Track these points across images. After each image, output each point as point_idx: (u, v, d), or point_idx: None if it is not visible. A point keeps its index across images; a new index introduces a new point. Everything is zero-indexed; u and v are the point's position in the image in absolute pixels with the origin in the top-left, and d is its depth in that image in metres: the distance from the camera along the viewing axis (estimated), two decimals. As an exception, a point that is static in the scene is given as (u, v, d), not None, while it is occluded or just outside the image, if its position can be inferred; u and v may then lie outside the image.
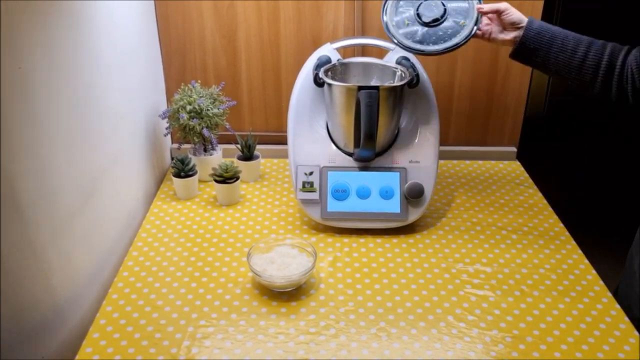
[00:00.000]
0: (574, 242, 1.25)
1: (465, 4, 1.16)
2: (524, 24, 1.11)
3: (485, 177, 1.53)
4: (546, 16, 1.48)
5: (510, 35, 1.13)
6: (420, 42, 1.16)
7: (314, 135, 1.30)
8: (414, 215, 1.26)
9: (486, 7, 1.14)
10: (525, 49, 1.11)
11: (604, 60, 1.05)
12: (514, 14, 1.12)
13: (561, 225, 1.31)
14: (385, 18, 1.17)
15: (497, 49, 1.51)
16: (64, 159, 0.97)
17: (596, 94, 1.08)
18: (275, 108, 1.59)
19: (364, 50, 1.50)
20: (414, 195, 1.25)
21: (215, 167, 1.36)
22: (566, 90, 1.73)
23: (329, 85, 1.21)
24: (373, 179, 1.26)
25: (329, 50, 1.32)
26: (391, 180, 1.26)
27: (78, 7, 1.01)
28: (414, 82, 1.24)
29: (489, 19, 1.15)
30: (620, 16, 0.97)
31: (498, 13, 1.13)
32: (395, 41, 1.16)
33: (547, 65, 1.11)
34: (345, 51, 1.37)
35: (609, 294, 1.09)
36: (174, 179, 1.38)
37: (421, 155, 1.28)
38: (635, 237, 1.15)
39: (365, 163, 1.28)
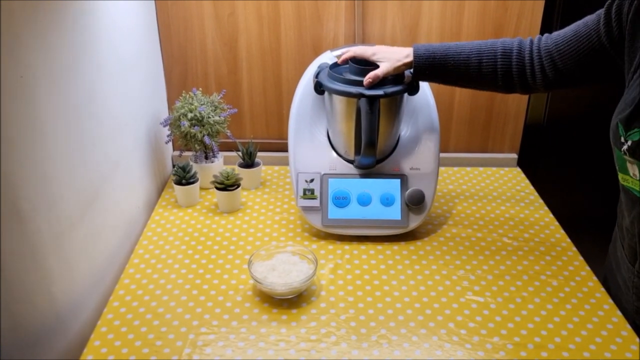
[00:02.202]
0: (575, 249, 1.25)
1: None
2: (406, 51, 1.14)
3: (486, 183, 1.53)
4: (546, 16, 1.49)
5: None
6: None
7: (314, 142, 1.30)
8: (414, 222, 1.26)
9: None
10: (422, 75, 1.15)
11: (498, 62, 1.08)
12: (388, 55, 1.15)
13: (562, 232, 1.31)
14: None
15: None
16: (65, 167, 0.97)
17: (506, 92, 1.13)
18: (276, 115, 1.60)
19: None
20: (414, 202, 1.25)
21: (216, 174, 1.36)
22: (567, 97, 1.74)
23: (330, 92, 1.21)
24: (374, 186, 1.27)
25: (329, 58, 1.32)
26: (392, 187, 1.26)
27: (79, 15, 1.02)
28: (414, 89, 1.24)
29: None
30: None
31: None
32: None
33: (450, 82, 1.17)
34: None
35: (610, 301, 1.08)
36: (175, 186, 1.38)
37: (422, 162, 1.28)
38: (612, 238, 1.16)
39: (366, 170, 1.28)
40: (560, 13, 1.61)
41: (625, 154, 0.90)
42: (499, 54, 1.08)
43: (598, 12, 0.98)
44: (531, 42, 1.07)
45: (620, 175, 0.98)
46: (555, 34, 1.05)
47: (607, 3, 0.95)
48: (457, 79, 1.14)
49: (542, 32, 1.49)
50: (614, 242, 1.14)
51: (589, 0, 1.61)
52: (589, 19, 0.99)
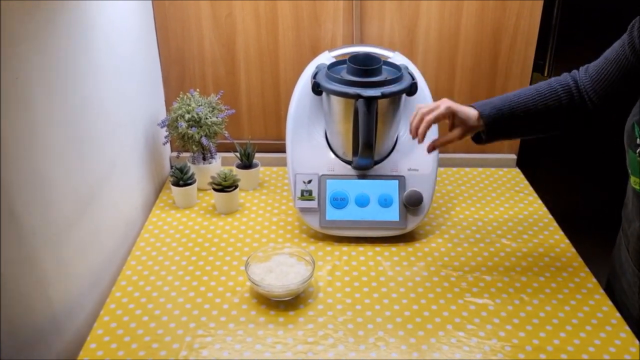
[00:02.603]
0: (574, 250, 1.24)
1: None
2: (474, 117, 1.07)
3: (485, 184, 1.53)
4: (546, 16, 1.48)
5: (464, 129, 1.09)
6: None
7: (312, 143, 1.30)
8: (413, 223, 1.26)
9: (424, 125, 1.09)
10: (495, 124, 1.07)
11: (560, 94, 1.04)
12: (461, 112, 1.07)
13: (561, 233, 1.31)
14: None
15: (496, 56, 1.51)
16: (62, 168, 0.97)
17: (572, 125, 1.07)
18: (274, 116, 1.59)
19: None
20: (412, 203, 1.24)
21: (214, 175, 1.36)
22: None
23: (327, 93, 1.21)
24: (372, 187, 1.26)
25: (327, 59, 1.32)
26: (390, 188, 1.26)
27: (76, 16, 1.01)
28: (412, 90, 1.24)
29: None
30: (621, 16, 0.97)
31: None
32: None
33: (521, 132, 1.12)
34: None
35: (610, 303, 1.08)
36: (173, 187, 1.38)
37: (420, 163, 1.28)
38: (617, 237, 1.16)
39: (364, 171, 1.27)
40: (559, 13, 1.61)
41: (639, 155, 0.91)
42: (558, 87, 1.05)
43: (621, 39, 0.98)
44: (575, 73, 1.06)
45: (632, 179, 0.98)
46: (592, 64, 1.04)
47: (628, 29, 0.96)
48: (528, 124, 1.07)
49: (540, 33, 1.49)
50: (617, 246, 1.14)
51: (588, 0, 1.62)
52: (616, 43, 1.00)
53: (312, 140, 1.30)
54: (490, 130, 1.07)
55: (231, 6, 1.45)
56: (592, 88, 1.02)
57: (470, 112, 1.07)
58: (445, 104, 1.08)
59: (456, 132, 1.09)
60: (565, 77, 1.06)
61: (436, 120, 1.08)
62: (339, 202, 1.25)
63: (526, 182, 1.55)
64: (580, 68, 1.06)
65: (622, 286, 1.09)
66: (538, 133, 1.12)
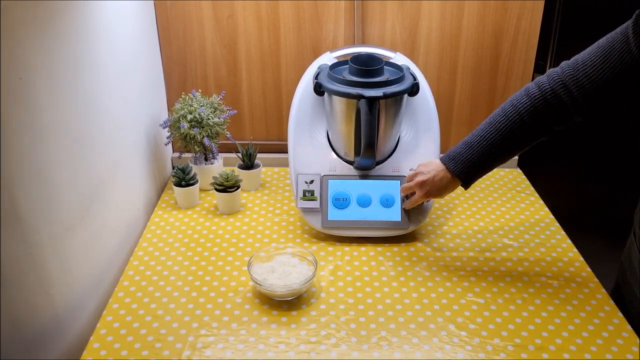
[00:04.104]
0: (575, 250, 1.24)
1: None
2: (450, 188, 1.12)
3: (486, 184, 1.53)
4: (546, 13, 1.48)
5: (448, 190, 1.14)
6: None
7: (314, 143, 1.30)
8: (414, 223, 1.26)
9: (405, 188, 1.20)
10: (471, 178, 1.10)
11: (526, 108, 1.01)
12: (431, 183, 1.13)
13: (563, 233, 1.31)
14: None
15: (497, 56, 1.51)
16: (64, 169, 0.97)
17: (548, 131, 1.04)
18: (276, 117, 1.60)
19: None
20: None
21: (216, 176, 1.36)
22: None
23: (329, 93, 1.21)
24: (374, 188, 1.26)
25: (329, 59, 1.32)
26: (392, 188, 1.26)
27: (78, 17, 1.02)
28: (414, 90, 1.24)
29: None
30: (622, 17, 0.97)
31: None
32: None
33: (502, 160, 1.09)
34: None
35: (611, 302, 1.08)
36: (175, 188, 1.38)
37: (422, 164, 1.28)
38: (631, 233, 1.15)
39: (366, 171, 1.28)
40: (560, 14, 1.61)
41: None
42: (524, 101, 1.02)
43: (622, 29, 0.92)
44: (549, 75, 1.01)
45: None
46: (574, 59, 0.98)
47: (633, 18, 0.90)
48: (503, 157, 1.08)
49: (542, 33, 1.49)
50: (628, 249, 1.13)
51: (589, 1, 1.62)
52: (614, 37, 0.92)
53: (313, 141, 1.30)
54: (467, 184, 1.11)
55: (233, 7, 1.46)
56: (578, 84, 0.95)
57: (446, 187, 1.12)
58: (420, 191, 1.16)
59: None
60: (532, 86, 1.02)
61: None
62: (341, 202, 1.26)
63: (527, 182, 1.55)
64: (562, 63, 1.00)
65: (633, 289, 1.09)
66: (512, 156, 1.09)
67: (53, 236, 0.93)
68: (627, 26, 0.90)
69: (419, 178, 1.15)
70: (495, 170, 1.59)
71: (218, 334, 1.00)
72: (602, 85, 0.94)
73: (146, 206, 1.38)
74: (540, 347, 0.97)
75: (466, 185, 1.11)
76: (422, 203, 1.23)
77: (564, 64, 1.00)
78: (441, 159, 1.12)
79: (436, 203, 1.41)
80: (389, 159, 1.29)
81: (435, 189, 1.13)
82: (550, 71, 1.01)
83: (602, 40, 0.95)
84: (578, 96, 0.97)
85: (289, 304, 1.07)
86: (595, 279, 1.15)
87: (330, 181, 1.27)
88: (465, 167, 1.08)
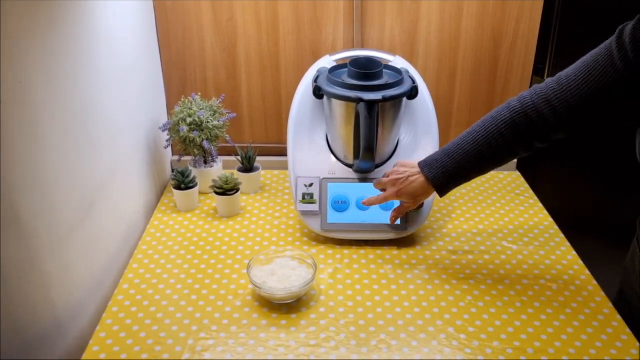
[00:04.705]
0: (574, 253, 1.25)
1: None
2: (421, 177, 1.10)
3: (485, 187, 1.53)
4: (545, 16, 1.49)
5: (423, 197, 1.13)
6: None
7: (313, 146, 1.30)
8: (414, 226, 1.26)
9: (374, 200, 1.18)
10: (446, 186, 1.08)
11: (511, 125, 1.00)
12: (406, 184, 1.11)
13: (562, 235, 1.31)
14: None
15: (496, 59, 1.52)
16: (64, 172, 0.97)
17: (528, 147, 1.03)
18: (275, 120, 1.60)
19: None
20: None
21: (215, 179, 1.36)
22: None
23: (329, 97, 1.21)
24: (373, 191, 1.26)
25: (328, 63, 1.32)
26: (391, 191, 1.26)
27: (78, 20, 1.02)
28: (413, 93, 1.24)
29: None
30: (621, 21, 0.97)
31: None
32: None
33: (478, 172, 1.08)
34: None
35: (610, 305, 1.08)
36: (175, 191, 1.38)
37: (421, 167, 1.28)
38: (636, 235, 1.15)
39: (365, 174, 1.28)
40: (559, 16, 1.61)
41: None
42: (504, 114, 1.01)
43: (605, 45, 0.92)
44: (532, 90, 1.00)
45: None
46: (558, 76, 0.97)
47: (616, 34, 0.90)
48: (479, 164, 1.06)
49: (540, 36, 1.50)
50: (631, 255, 1.13)
51: (588, 2, 1.62)
52: (598, 54, 0.92)
53: (313, 144, 1.31)
54: (441, 190, 1.09)
55: (232, 11, 1.46)
56: (562, 99, 0.95)
57: (418, 190, 1.10)
58: (392, 189, 1.14)
59: (409, 205, 1.16)
60: (514, 101, 1.02)
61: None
62: (340, 205, 1.26)
63: (526, 185, 1.55)
64: (547, 80, 0.99)
65: (638, 295, 1.09)
66: (497, 167, 1.08)
67: (53, 239, 0.93)
68: (611, 42, 0.91)
69: (394, 176, 1.14)
70: (493, 173, 1.60)
71: (217, 337, 1.00)
72: (586, 100, 0.93)
73: (146, 209, 1.38)
74: (540, 350, 0.97)
75: (441, 193, 1.09)
76: (408, 210, 1.20)
77: (548, 80, 0.99)
78: (419, 163, 1.11)
79: (435, 206, 1.41)
80: (389, 162, 1.29)
81: (407, 190, 1.11)
82: (534, 87, 1.00)
83: (587, 57, 0.95)
84: (562, 111, 0.95)
85: (288, 307, 1.07)
86: (595, 282, 1.15)
87: (329, 184, 1.27)
88: (440, 175, 1.07)
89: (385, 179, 1.16)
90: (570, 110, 0.95)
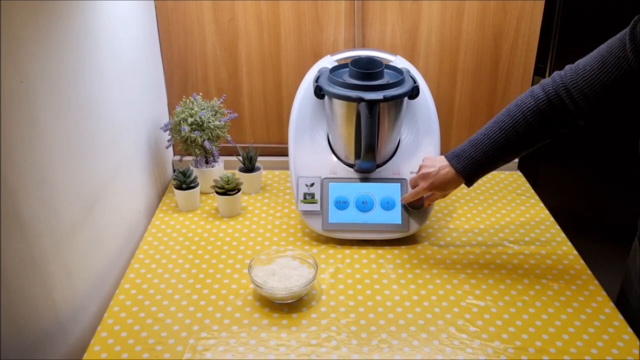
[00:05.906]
0: (576, 253, 1.24)
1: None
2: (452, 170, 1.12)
3: (487, 187, 1.53)
4: (546, 16, 1.49)
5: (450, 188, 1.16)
6: None
7: (314, 146, 1.31)
8: (415, 226, 1.26)
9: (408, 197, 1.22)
10: (475, 175, 1.11)
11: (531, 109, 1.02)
12: (438, 179, 1.14)
13: (563, 235, 1.31)
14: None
15: (497, 59, 1.52)
16: (66, 172, 0.97)
17: (553, 133, 1.05)
18: (276, 120, 1.60)
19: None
20: (415, 206, 1.25)
21: (216, 179, 1.36)
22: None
23: (330, 96, 1.21)
24: (374, 190, 1.27)
25: (329, 62, 1.32)
26: (392, 191, 1.26)
27: (79, 20, 1.02)
28: (414, 93, 1.25)
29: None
30: (622, 20, 0.97)
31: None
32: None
33: (505, 159, 1.10)
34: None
35: (612, 304, 1.08)
36: (176, 191, 1.38)
37: (422, 166, 1.28)
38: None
39: (366, 174, 1.28)
40: (560, 16, 1.61)
41: None
42: (528, 102, 1.03)
43: (620, 35, 0.92)
44: (553, 79, 1.02)
45: None
46: (577, 63, 0.99)
47: (630, 24, 0.90)
48: (508, 156, 1.08)
49: (541, 36, 1.50)
50: (633, 255, 1.13)
51: (589, 3, 1.62)
52: (613, 43, 0.93)
53: (314, 144, 1.31)
54: (470, 181, 1.12)
55: (234, 11, 1.46)
56: (579, 89, 0.97)
57: (449, 182, 1.13)
58: (423, 183, 1.17)
59: (438, 196, 1.21)
60: (537, 88, 1.03)
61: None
62: (342, 205, 1.26)
63: (528, 185, 1.55)
64: (566, 67, 1.01)
65: (639, 294, 1.09)
66: (517, 154, 1.10)
67: (54, 239, 0.94)
68: (625, 33, 0.91)
69: (423, 170, 1.17)
70: (495, 172, 1.60)
71: (219, 337, 1.00)
72: (601, 91, 0.95)
73: (147, 209, 1.39)
74: (541, 350, 0.97)
75: (469, 182, 1.12)
76: (422, 205, 1.23)
77: (567, 67, 1.01)
78: (446, 156, 1.14)
79: (436, 206, 1.41)
80: (390, 162, 1.30)
81: (439, 182, 1.14)
82: (555, 74, 1.02)
83: (602, 46, 0.96)
84: (580, 102, 0.98)
85: (289, 307, 1.07)
86: (596, 282, 1.15)
87: (330, 184, 1.27)
88: (469, 165, 1.10)
89: (415, 175, 1.19)
90: (587, 101, 0.97)
